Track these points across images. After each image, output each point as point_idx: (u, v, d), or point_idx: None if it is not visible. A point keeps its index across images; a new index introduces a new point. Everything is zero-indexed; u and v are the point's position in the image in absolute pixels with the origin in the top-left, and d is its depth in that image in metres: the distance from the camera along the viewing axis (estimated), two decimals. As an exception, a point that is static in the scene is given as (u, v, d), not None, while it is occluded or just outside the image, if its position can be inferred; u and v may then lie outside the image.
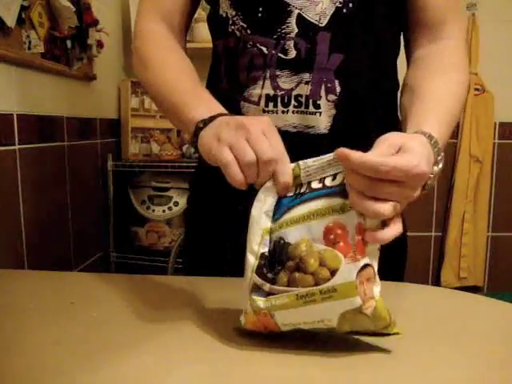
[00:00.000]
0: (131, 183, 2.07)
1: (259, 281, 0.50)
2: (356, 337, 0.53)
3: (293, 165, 0.52)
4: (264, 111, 0.70)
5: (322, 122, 0.69)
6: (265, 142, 0.51)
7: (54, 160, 1.50)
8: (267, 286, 0.49)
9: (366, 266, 0.47)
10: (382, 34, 0.72)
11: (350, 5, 0.67)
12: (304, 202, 0.50)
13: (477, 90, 2.25)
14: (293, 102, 0.69)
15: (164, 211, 2.01)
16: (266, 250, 0.51)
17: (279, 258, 0.49)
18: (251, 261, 0.51)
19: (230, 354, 0.50)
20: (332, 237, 0.47)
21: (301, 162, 0.52)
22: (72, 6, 1.47)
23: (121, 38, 2.15)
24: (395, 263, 0.82)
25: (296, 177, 0.52)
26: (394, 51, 0.77)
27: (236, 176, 0.50)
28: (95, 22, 1.69)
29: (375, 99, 0.72)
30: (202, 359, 0.49)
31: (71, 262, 1.65)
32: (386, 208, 0.46)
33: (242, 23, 0.70)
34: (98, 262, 1.90)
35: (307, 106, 0.68)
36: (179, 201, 2.01)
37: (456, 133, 2.32)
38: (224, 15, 0.73)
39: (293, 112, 0.69)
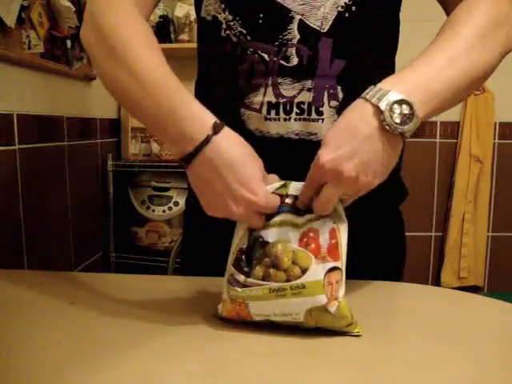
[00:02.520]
0: (131, 183, 2.07)
1: (235, 272, 0.54)
2: (355, 337, 0.53)
3: (281, 183, 0.56)
4: (266, 119, 0.68)
5: (325, 128, 0.67)
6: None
7: (54, 160, 1.50)
8: (242, 278, 0.54)
9: (335, 268, 0.52)
10: (382, 35, 0.71)
11: (353, 8, 0.66)
12: (287, 213, 0.55)
13: (477, 89, 2.26)
14: (295, 109, 0.67)
15: (164, 211, 2.01)
16: (244, 245, 0.56)
17: (256, 255, 0.54)
18: (231, 254, 0.56)
19: (230, 354, 0.50)
20: (305, 240, 0.53)
21: (293, 184, 0.56)
22: (72, 6, 1.47)
23: (121, 37, 2.14)
24: (394, 263, 0.82)
25: (283, 194, 0.56)
26: (393, 50, 0.76)
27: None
28: (95, 22, 1.68)
29: None
30: (203, 359, 0.50)
31: (71, 261, 1.65)
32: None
33: (240, 29, 0.68)
34: (98, 262, 1.90)
35: (310, 113, 0.67)
36: (179, 201, 2.01)
37: (456, 133, 2.32)
38: (209, 18, 0.70)
39: (295, 119, 0.68)
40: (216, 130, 0.55)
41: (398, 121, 0.50)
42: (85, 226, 1.76)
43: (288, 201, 0.56)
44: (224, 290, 0.56)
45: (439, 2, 0.71)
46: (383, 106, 0.50)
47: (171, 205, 2.01)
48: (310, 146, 0.66)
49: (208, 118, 0.56)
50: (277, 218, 0.55)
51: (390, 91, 0.51)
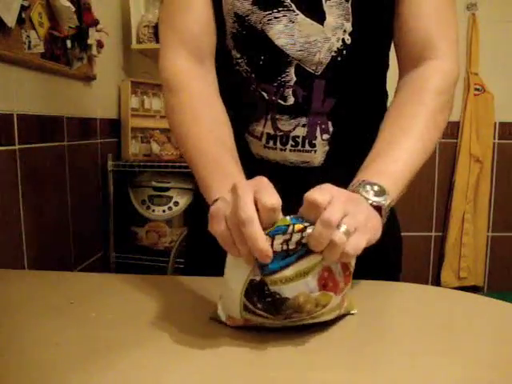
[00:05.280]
0: (131, 183, 2.07)
1: (250, 305, 0.52)
2: (353, 337, 0.53)
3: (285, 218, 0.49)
4: (265, 147, 0.76)
5: (317, 158, 0.75)
6: (243, 203, 0.47)
7: (54, 160, 1.50)
8: (260, 312, 0.52)
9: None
10: (370, 74, 0.76)
11: (344, 52, 0.71)
12: (296, 261, 0.49)
13: (477, 90, 2.26)
14: (290, 141, 0.74)
15: (164, 211, 2.01)
16: (257, 278, 0.50)
17: (275, 310, 0.51)
18: (242, 282, 0.51)
19: (230, 354, 0.50)
20: (323, 282, 0.52)
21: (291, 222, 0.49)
22: (72, 6, 1.47)
23: (121, 38, 2.15)
24: (390, 264, 0.82)
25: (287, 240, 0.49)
26: (382, 84, 0.80)
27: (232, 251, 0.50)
28: (95, 22, 1.69)
29: (365, 131, 0.75)
30: (203, 359, 0.50)
31: (71, 261, 1.65)
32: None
33: (245, 67, 0.74)
34: (98, 262, 1.90)
35: (304, 145, 0.74)
36: (179, 201, 2.01)
37: (456, 133, 2.33)
38: (228, 50, 0.75)
39: (290, 150, 0.75)
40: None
41: (370, 194, 0.56)
42: (85, 225, 1.76)
43: (292, 246, 0.48)
44: (232, 307, 0.54)
45: (397, 58, 0.75)
46: (356, 186, 0.57)
47: (171, 205, 2.01)
48: (302, 172, 0.76)
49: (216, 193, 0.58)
50: (288, 272, 0.49)
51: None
